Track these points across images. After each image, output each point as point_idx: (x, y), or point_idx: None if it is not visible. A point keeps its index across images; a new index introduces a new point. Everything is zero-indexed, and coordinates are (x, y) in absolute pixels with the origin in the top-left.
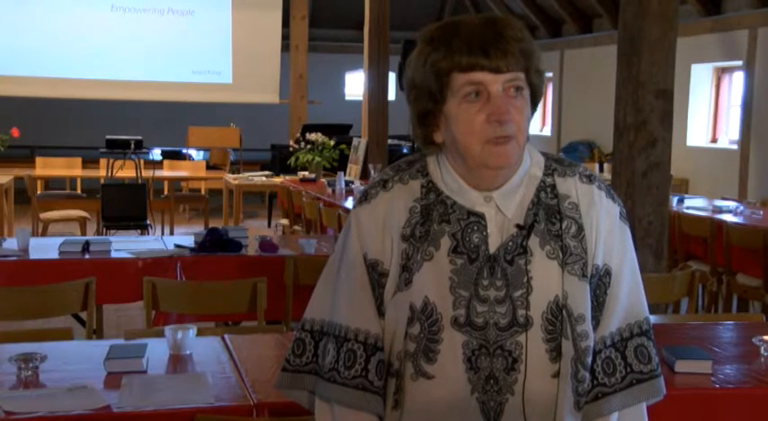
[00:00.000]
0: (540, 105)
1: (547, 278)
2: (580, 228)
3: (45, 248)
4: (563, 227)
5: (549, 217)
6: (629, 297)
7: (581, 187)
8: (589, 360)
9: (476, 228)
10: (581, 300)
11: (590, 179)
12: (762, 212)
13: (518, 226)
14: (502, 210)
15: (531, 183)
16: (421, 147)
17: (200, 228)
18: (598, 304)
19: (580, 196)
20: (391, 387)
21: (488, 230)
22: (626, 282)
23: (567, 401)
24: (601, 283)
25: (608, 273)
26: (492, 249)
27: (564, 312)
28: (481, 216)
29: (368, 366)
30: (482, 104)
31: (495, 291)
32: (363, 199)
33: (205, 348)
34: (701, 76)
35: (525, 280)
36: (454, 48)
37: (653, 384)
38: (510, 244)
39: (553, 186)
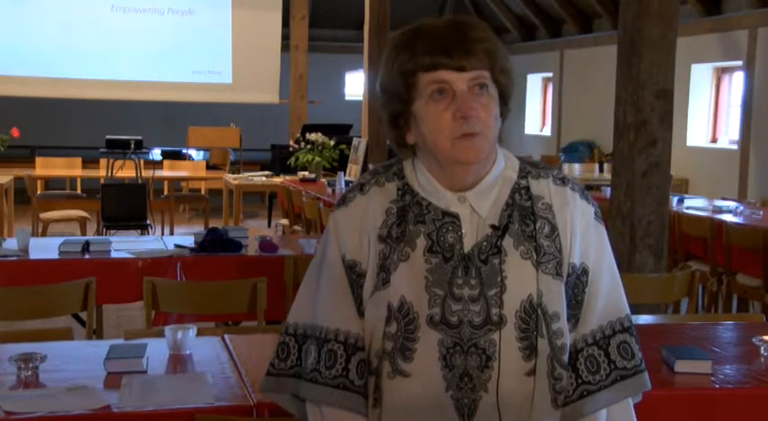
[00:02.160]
0: (540, 105)
1: (521, 277)
2: (553, 228)
3: (45, 248)
4: (537, 227)
5: (523, 218)
6: (609, 295)
7: (554, 188)
8: (565, 358)
9: (450, 227)
10: (556, 299)
11: (563, 181)
12: (762, 212)
13: (493, 226)
14: (476, 210)
15: (506, 185)
16: (395, 151)
17: (200, 228)
18: (577, 303)
19: (553, 197)
20: (371, 385)
21: (463, 230)
22: (605, 280)
23: (543, 399)
24: (578, 282)
25: (585, 272)
26: (466, 248)
27: (539, 310)
28: (456, 216)
29: (348, 366)
30: (448, 102)
31: (469, 289)
32: (341, 202)
33: (205, 348)
34: (700, 76)
35: (499, 279)
36: (417, 49)
37: (637, 379)
38: (485, 244)
39: (527, 188)
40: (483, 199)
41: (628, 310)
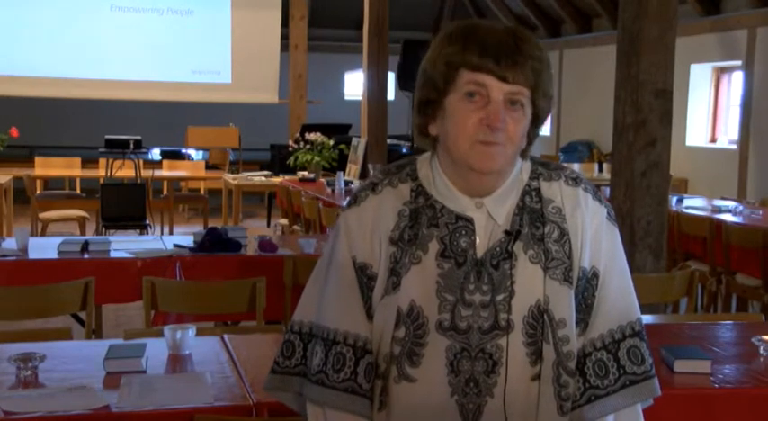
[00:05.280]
0: None
1: (530, 282)
2: (562, 233)
3: (44, 248)
4: (545, 231)
5: (532, 221)
6: (620, 298)
7: (566, 190)
8: (572, 364)
9: (464, 232)
10: (562, 305)
11: (575, 181)
12: (761, 212)
13: (506, 232)
14: (493, 216)
15: (518, 188)
16: (415, 138)
17: (199, 227)
18: (587, 307)
19: (565, 200)
20: (377, 388)
21: (476, 235)
22: (615, 283)
23: (548, 405)
24: (588, 286)
25: (595, 275)
26: (479, 254)
27: (545, 316)
28: (470, 220)
29: (357, 369)
30: (480, 106)
31: (480, 295)
32: (353, 202)
33: (204, 348)
34: (700, 76)
35: (509, 283)
36: (469, 46)
37: (647, 385)
38: (497, 249)
39: (538, 190)
40: (500, 205)
41: (639, 314)
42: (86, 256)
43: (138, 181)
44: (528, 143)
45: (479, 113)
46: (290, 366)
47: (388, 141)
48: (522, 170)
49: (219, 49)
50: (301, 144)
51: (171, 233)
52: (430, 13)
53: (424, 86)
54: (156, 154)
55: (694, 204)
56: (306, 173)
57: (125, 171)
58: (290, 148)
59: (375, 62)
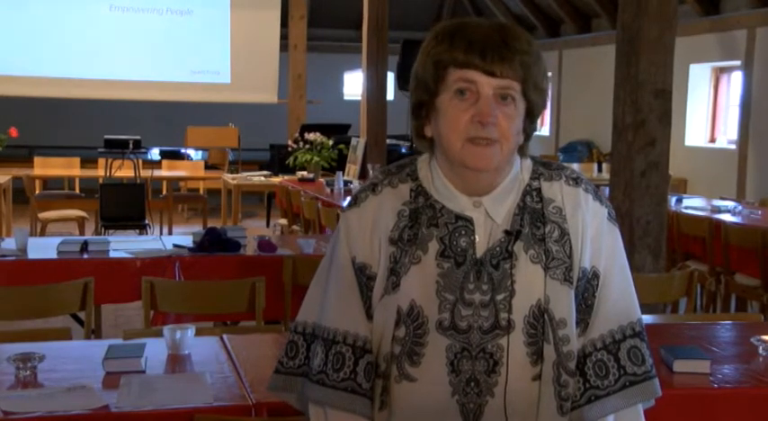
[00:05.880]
0: None
1: (530, 282)
2: (563, 233)
3: (43, 248)
4: (546, 231)
5: (533, 221)
6: (620, 299)
7: (567, 190)
8: (572, 365)
9: (463, 232)
10: (563, 305)
11: (576, 181)
12: (760, 212)
13: (506, 232)
14: (491, 215)
15: (518, 187)
16: (413, 140)
17: (198, 227)
18: (587, 307)
19: (565, 200)
20: (378, 388)
21: (476, 235)
22: (616, 283)
23: (548, 405)
24: (589, 286)
25: (596, 275)
26: (479, 253)
27: (545, 316)
28: (469, 220)
29: (356, 369)
30: (470, 104)
31: (480, 295)
32: (353, 202)
33: (204, 348)
34: (699, 76)
35: (509, 283)
36: (455, 43)
37: (647, 386)
38: (497, 248)
39: (539, 190)
40: (499, 204)
41: (639, 315)
42: (86, 256)
43: (138, 181)
44: (525, 139)
45: (470, 110)
46: (294, 367)
47: (388, 141)
48: (523, 169)
49: (219, 49)
50: (301, 144)
51: (170, 233)
52: (430, 12)
53: (417, 89)
54: (155, 154)
55: (693, 204)
56: (305, 173)
57: (124, 171)
58: (290, 148)
59: (374, 62)
